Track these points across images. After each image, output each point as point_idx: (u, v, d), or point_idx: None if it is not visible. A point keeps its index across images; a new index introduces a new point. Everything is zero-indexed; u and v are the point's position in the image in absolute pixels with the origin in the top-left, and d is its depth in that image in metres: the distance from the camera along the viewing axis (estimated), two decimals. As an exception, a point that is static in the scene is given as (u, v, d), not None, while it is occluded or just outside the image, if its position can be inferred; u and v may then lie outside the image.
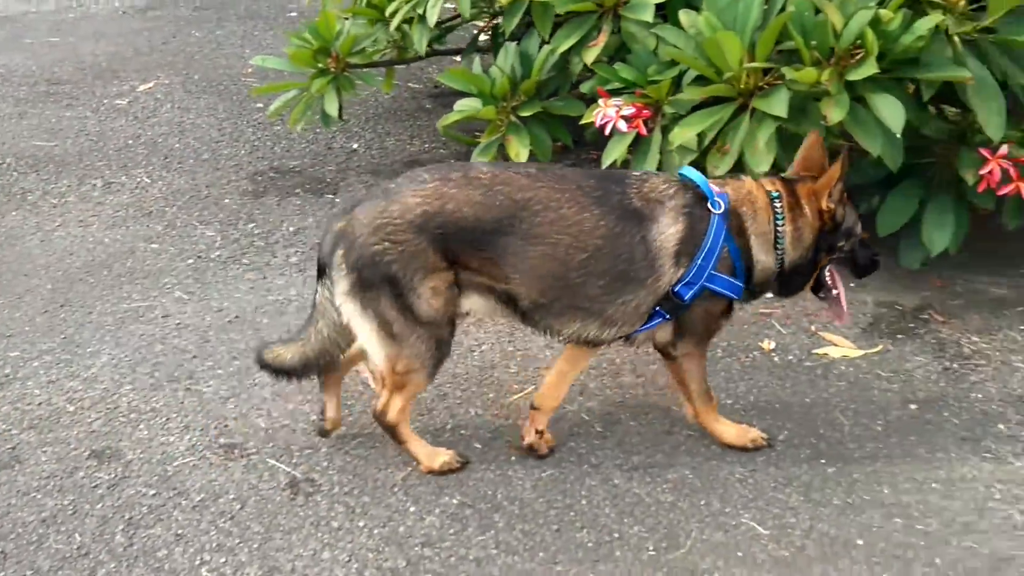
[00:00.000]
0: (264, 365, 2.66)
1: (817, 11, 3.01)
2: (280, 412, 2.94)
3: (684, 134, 3.20)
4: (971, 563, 2.38)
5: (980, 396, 2.99)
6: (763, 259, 2.53)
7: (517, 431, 2.82)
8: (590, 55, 3.55)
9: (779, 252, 2.52)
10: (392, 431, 2.62)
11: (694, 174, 2.51)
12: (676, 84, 3.37)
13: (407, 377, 2.50)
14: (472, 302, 2.52)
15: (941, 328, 3.34)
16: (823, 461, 2.72)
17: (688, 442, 2.80)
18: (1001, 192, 3.12)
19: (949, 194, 3.36)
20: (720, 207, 2.45)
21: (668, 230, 2.44)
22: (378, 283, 2.39)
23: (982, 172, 3.08)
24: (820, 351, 3.21)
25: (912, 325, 3.37)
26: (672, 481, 2.65)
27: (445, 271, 2.42)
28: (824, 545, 2.44)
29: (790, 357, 3.20)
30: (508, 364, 3.19)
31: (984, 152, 3.09)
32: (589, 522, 2.53)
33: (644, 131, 3.36)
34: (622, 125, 3.31)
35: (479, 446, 2.81)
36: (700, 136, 3.23)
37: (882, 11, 2.91)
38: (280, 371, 2.65)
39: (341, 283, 2.42)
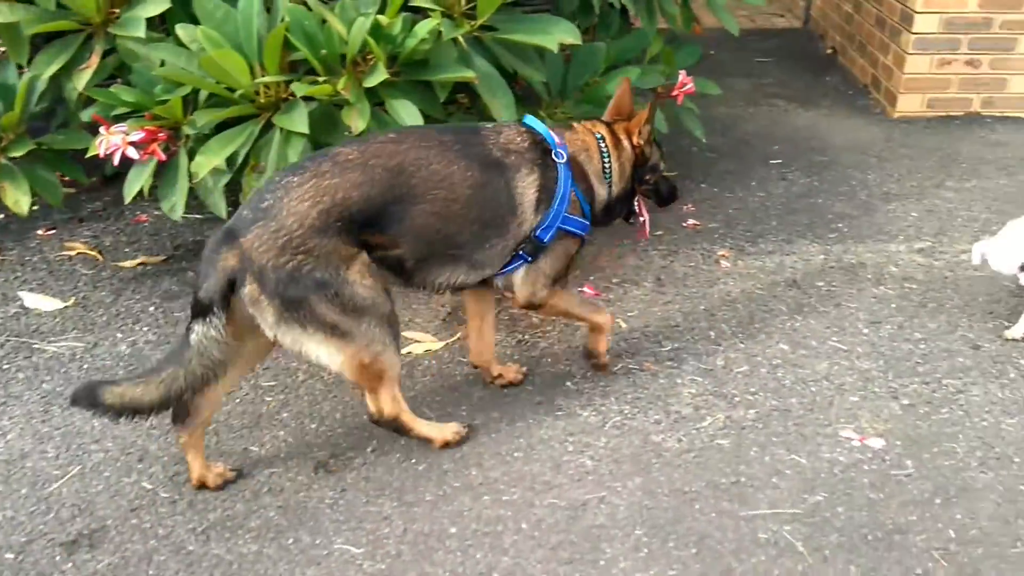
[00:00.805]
0: (96, 405, 2.43)
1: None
2: None
3: (209, 162, 3.07)
4: (552, 519, 2.55)
5: (549, 360, 3.23)
6: (600, 192, 2.91)
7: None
8: (81, 79, 3.25)
9: (608, 184, 2.91)
10: (395, 424, 2.68)
11: (538, 125, 2.79)
12: (194, 101, 3.22)
13: (378, 365, 2.54)
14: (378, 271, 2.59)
15: (505, 305, 3.54)
16: (414, 461, 2.77)
17: (271, 480, 2.69)
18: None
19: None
20: (563, 157, 2.75)
21: (527, 179, 2.70)
22: (308, 296, 2.41)
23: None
24: (404, 351, 3.26)
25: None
26: (255, 529, 2.52)
27: (358, 253, 2.49)
28: (419, 545, 2.47)
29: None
30: (44, 448, 2.86)
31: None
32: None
33: (162, 156, 3.17)
34: (133, 152, 3.09)
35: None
36: (233, 155, 3.12)
37: (380, 17, 2.98)
38: (123, 412, 2.46)
39: (267, 317, 2.41)
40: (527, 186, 2.69)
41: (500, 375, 3.10)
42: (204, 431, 2.70)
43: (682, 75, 3.93)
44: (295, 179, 2.47)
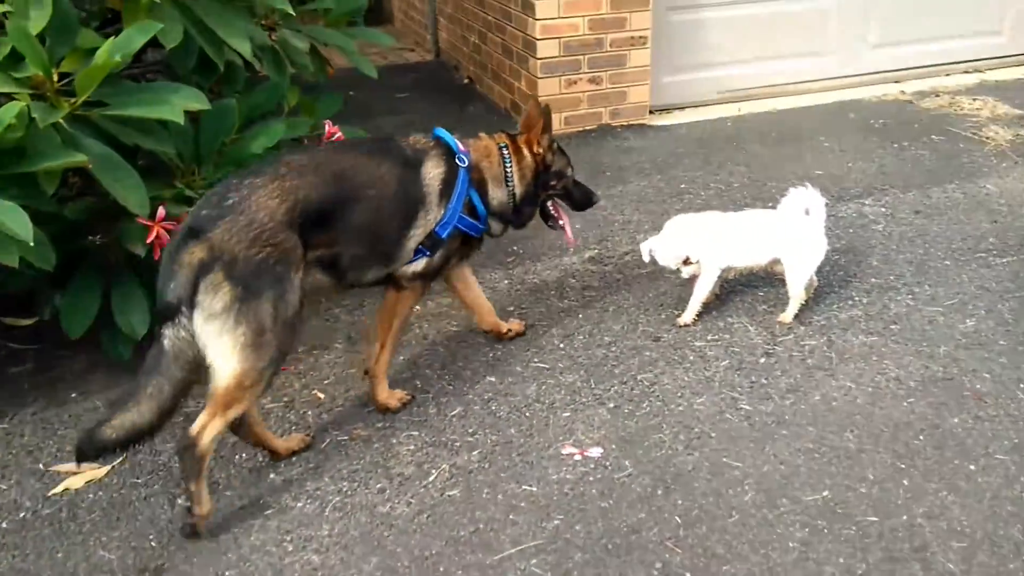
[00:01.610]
0: (103, 446, 2.54)
1: None
2: None
3: None
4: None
5: (244, 456, 3.00)
6: (498, 195, 3.25)
7: None
8: None
9: (510, 187, 3.26)
10: (197, 464, 2.61)
11: (445, 134, 3.16)
12: None
13: (250, 392, 2.63)
14: (308, 280, 2.78)
15: (186, 402, 3.25)
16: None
17: None
18: (180, 252, 3.17)
19: (132, 271, 3.31)
20: (465, 162, 3.12)
21: (434, 171, 3.06)
22: (264, 290, 2.57)
23: (150, 240, 3.04)
24: (58, 490, 2.89)
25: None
26: None
27: (303, 258, 2.71)
28: None
29: (23, 515, 2.80)
30: None
31: (143, 221, 3.04)
32: None
33: None
34: None
35: None
36: None
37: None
38: (128, 441, 2.55)
39: (215, 303, 2.51)
40: (433, 178, 3.06)
41: (509, 330, 3.60)
42: (260, 419, 2.93)
43: (328, 125, 3.92)
44: (257, 180, 2.69)
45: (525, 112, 3.40)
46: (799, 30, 6.58)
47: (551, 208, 3.50)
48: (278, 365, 2.69)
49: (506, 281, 4.08)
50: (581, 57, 5.74)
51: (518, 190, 3.31)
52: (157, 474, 2.96)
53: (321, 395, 3.32)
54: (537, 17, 5.55)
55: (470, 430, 3.09)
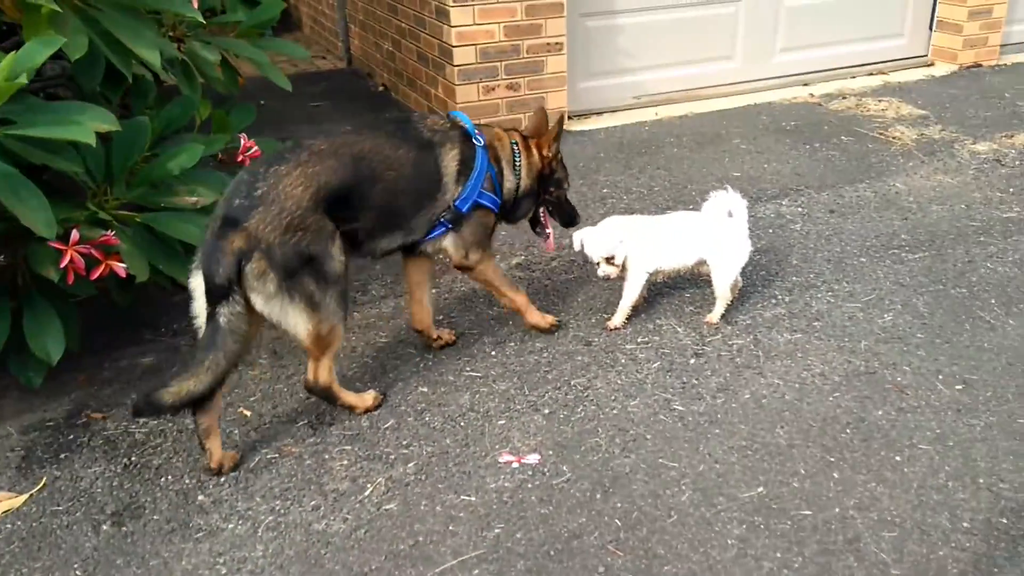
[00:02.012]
0: (160, 409, 2.83)
1: None
2: None
3: None
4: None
5: (170, 478, 2.94)
6: (510, 178, 3.45)
7: None
8: None
9: (517, 176, 3.45)
10: (327, 393, 3.14)
11: (461, 116, 3.37)
12: None
13: (332, 335, 3.01)
14: None
15: (106, 426, 3.21)
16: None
17: None
18: (94, 276, 3.04)
19: (44, 296, 3.20)
20: (481, 141, 3.32)
21: (450, 153, 3.24)
22: (302, 268, 2.88)
23: (64, 265, 2.95)
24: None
25: (73, 437, 3.16)
26: None
27: (335, 231, 2.98)
28: None
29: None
30: None
31: (56, 245, 2.94)
32: None
33: None
34: None
35: None
36: None
37: None
38: (184, 405, 2.84)
39: (268, 286, 2.84)
40: (450, 160, 3.24)
41: (439, 337, 3.63)
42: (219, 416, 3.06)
43: (243, 139, 3.85)
44: (282, 168, 2.92)
45: (532, 118, 3.63)
46: (711, 35, 6.77)
47: (542, 215, 3.67)
48: (342, 310, 3.03)
49: (435, 290, 4.06)
50: (498, 64, 5.77)
51: (523, 182, 3.49)
52: (78, 500, 2.86)
53: (247, 412, 3.26)
54: (452, 24, 5.56)
55: (404, 442, 3.07)
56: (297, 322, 2.93)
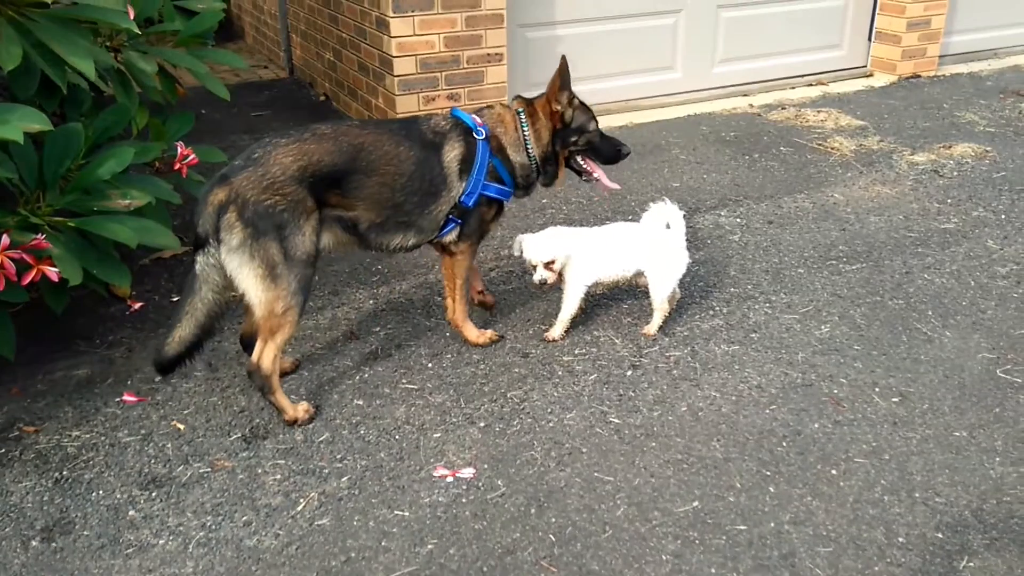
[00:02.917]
0: (171, 360, 3.15)
1: None
2: None
3: None
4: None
5: (101, 493, 2.89)
6: (518, 158, 3.50)
7: None
8: None
9: (528, 150, 3.50)
10: (266, 382, 3.14)
11: (461, 113, 3.44)
12: None
13: (284, 318, 3.07)
14: (327, 236, 3.21)
15: (38, 439, 3.15)
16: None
17: None
18: (26, 282, 3.02)
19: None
20: (482, 134, 3.39)
21: (451, 153, 3.34)
22: (269, 231, 2.98)
23: (-5, 269, 2.92)
24: None
25: (4, 451, 3.09)
26: None
27: (315, 211, 3.10)
28: None
29: None
30: None
31: (-16, 249, 2.91)
32: None
33: None
34: None
35: None
36: None
37: None
38: (186, 352, 3.15)
39: (233, 239, 2.97)
40: (452, 159, 3.33)
41: (482, 292, 3.87)
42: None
43: (180, 147, 3.81)
44: (282, 140, 3.11)
45: (555, 74, 3.52)
46: (650, 46, 6.84)
47: (582, 162, 3.65)
48: (302, 295, 3.10)
49: (371, 301, 4.05)
50: (438, 74, 5.77)
51: (535, 151, 3.53)
52: (8, 515, 2.81)
53: (181, 426, 3.21)
54: (392, 35, 5.56)
55: (339, 456, 3.05)
56: (251, 285, 3.02)
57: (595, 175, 3.68)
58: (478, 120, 3.43)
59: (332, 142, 3.18)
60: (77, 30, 3.30)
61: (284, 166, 3.04)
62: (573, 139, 3.58)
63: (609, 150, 3.68)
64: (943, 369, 3.53)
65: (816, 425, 3.20)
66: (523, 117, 3.52)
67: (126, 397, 3.37)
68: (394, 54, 5.60)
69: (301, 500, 2.85)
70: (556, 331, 3.72)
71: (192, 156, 3.84)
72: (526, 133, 3.50)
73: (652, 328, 3.75)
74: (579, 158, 3.64)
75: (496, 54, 5.89)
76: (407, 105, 5.70)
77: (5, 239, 2.93)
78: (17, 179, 3.22)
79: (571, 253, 3.60)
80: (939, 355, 3.62)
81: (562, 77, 3.48)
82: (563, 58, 3.51)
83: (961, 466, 2.99)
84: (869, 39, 7.78)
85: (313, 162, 3.09)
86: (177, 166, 3.83)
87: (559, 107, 3.51)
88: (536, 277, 3.62)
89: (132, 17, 3.44)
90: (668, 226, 3.71)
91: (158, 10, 3.99)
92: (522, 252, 3.65)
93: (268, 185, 2.99)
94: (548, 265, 3.58)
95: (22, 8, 3.17)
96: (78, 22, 3.36)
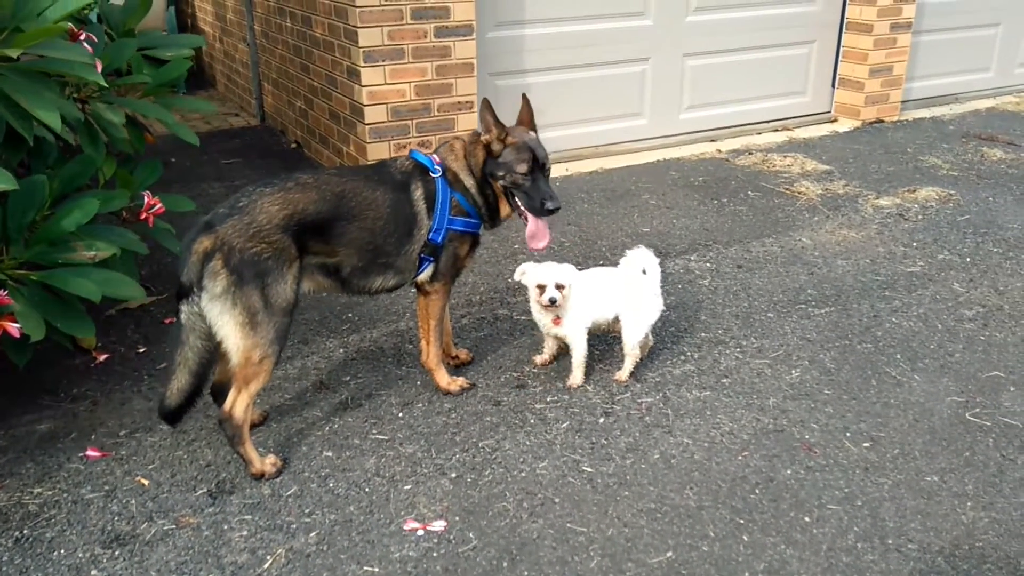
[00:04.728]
0: (175, 411, 3.17)
1: None
2: None
3: None
4: None
5: (63, 552, 2.80)
6: (469, 182, 3.48)
7: None
8: None
9: (472, 177, 3.48)
10: (236, 430, 3.12)
11: (418, 154, 3.48)
12: None
13: (261, 366, 3.08)
14: (309, 282, 3.26)
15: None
16: None
17: None
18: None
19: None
20: (438, 171, 3.43)
21: (417, 192, 3.39)
22: (252, 279, 3.01)
23: (-42, 323, 2.87)
24: None
25: (-46, 515, 3.00)
26: None
27: (297, 260, 3.14)
28: None
29: None
30: None
31: (-52, 303, 2.86)
32: None
33: None
34: None
35: None
36: None
37: None
38: (187, 401, 3.17)
39: (215, 286, 3.00)
40: (418, 199, 3.38)
41: (456, 356, 3.91)
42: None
43: (147, 196, 3.78)
44: (267, 190, 3.15)
45: (521, 109, 3.59)
46: (619, 93, 6.92)
47: (519, 203, 3.48)
48: (279, 344, 3.11)
49: (341, 349, 4.00)
50: (409, 122, 5.80)
51: (469, 180, 3.50)
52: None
53: (145, 481, 3.14)
54: (363, 84, 5.58)
55: (307, 510, 2.98)
56: (231, 332, 3.03)
57: (528, 223, 3.49)
58: (435, 159, 3.47)
59: (316, 191, 3.21)
60: (44, 83, 3.28)
61: (270, 214, 3.07)
62: (500, 173, 3.44)
63: (534, 199, 3.44)
64: (913, 413, 3.53)
65: (788, 471, 3.18)
66: (468, 146, 3.52)
67: (90, 452, 3.29)
68: (365, 102, 5.61)
69: (268, 557, 2.77)
70: (577, 378, 3.69)
71: (159, 205, 3.81)
72: (469, 161, 3.48)
73: (624, 374, 3.73)
74: (516, 199, 3.48)
75: (467, 102, 5.92)
76: (378, 152, 5.70)
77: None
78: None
79: (573, 284, 3.58)
80: (908, 399, 3.63)
81: (523, 111, 3.55)
82: (524, 96, 3.57)
83: (933, 511, 2.98)
84: (833, 85, 7.92)
85: (299, 211, 3.13)
86: (144, 215, 3.79)
87: (487, 137, 3.45)
88: (546, 296, 3.51)
89: (100, 70, 3.42)
90: (644, 271, 3.71)
91: (127, 61, 3.98)
92: (525, 276, 3.62)
93: (254, 233, 3.02)
94: (560, 287, 3.52)
95: (-12, 61, 3.15)
96: (46, 75, 3.34)
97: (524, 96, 3.63)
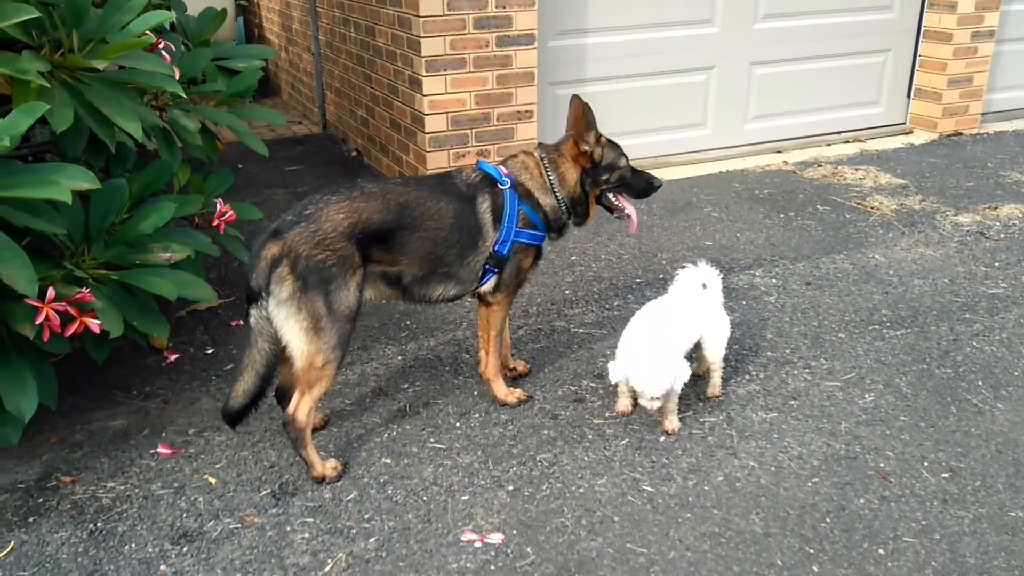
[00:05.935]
0: (238, 411, 3.32)
1: None
2: None
3: None
4: None
5: (133, 546, 2.95)
6: (548, 201, 3.58)
7: None
8: None
9: (556, 194, 3.58)
10: (298, 434, 3.25)
11: (486, 165, 3.56)
12: None
13: (324, 371, 3.20)
14: (371, 290, 3.38)
15: (74, 489, 3.24)
16: None
17: None
18: (69, 333, 3.12)
19: (19, 353, 3.24)
20: (507, 183, 3.49)
21: (483, 205, 3.46)
22: (317, 285, 3.12)
23: (39, 322, 3.03)
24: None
25: (42, 500, 3.18)
26: None
27: (360, 267, 3.25)
28: None
29: None
30: None
31: (32, 302, 3.01)
32: None
33: None
34: None
35: None
36: None
37: None
38: (251, 403, 3.31)
39: (282, 291, 3.11)
40: (484, 211, 3.46)
41: (514, 368, 3.99)
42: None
43: (219, 203, 3.94)
44: (333, 198, 3.26)
45: (570, 112, 3.61)
46: (682, 103, 6.95)
47: (614, 199, 3.70)
48: (341, 350, 3.22)
49: (399, 357, 4.12)
50: (469, 131, 5.92)
51: (562, 194, 3.60)
52: (44, 566, 2.87)
53: (213, 480, 3.28)
54: (424, 93, 5.71)
55: (366, 516, 3.09)
56: (296, 337, 3.14)
57: (627, 211, 3.72)
58: (503, 171, 3.54)
59: (380, 200, 3.32)
60: (126, 92, 3.47)
61: (335, 223, 3.18)
62: (604, 177, 3.63)
63: (641, 184, 3.74)
64: (996, 443, 3.46)
65: (862, 500, 3.13)
66: (546, 163, 3.59)
67: (160, 449, 3.45)
68: (426, 112, 5.75)
69: (329, 560, 2.88)
70: (674, 423, 3.57)
71: (230, 213, 3.97)
72: (551, 177, 3.57)
73: (717, 388, 3.75)
74: (611, 195, 3.69)
75: (526, 111, 6.02)
76: (437, 161, 5.84)
77: (51, 292, 3.05)
78: (64, 234, 3.36)
79: (679, 374, 3.44)
80: (991, 428, 3.55)
81: (586, 117, 3.52)
82: (576, 97, 3.59)
83: (1018, 549, 2.91)
84: (908, 96, 7.84)
85: (363, 219, 3.23)
86: (215, 222, 3.96)
87: (587, 147, 3.55)
88: (653, 406, 3.41)
89: (177, 78, 3.59)
90: (704, 286, 3.73)
91: (202, 70, 4.16)
92: (628, 381, 3.46)
93: (320, 241, 3.14)
94: (655, 399, 3.41)
95: (75, 72, 3.33)
96: (127, 85, 3.52)
97: (576, 97, 3.59)
